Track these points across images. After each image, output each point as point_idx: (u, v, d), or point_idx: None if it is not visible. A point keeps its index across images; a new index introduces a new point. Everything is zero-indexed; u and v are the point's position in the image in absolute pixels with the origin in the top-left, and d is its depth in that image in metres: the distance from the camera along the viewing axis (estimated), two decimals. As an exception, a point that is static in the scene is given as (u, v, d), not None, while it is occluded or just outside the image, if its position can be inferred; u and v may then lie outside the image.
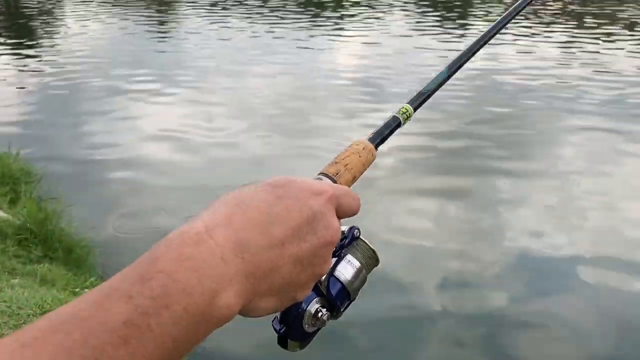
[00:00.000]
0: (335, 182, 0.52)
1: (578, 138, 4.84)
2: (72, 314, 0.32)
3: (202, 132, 5.01)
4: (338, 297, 0.48)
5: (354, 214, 0.46)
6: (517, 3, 0.88)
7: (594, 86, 6.34)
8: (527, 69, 7.09)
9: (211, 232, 0.37)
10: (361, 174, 0.56)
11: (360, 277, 0.50)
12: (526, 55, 8.07)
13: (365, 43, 8.83)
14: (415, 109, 0.65)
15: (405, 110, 0.64)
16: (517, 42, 8.66)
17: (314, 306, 0.47)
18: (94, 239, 3.18)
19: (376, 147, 0.60)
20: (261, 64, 7.43)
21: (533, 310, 2.78)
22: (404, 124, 0.64)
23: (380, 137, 0.61)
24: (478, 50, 0.77)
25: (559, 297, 2.88)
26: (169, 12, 13.32)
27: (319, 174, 0.54)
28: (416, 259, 3.17)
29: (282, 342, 0.47)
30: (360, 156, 0.56)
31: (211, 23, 10.79)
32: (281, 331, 0.47)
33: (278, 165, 4.24)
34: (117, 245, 3.24)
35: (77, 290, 2.60)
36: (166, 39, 9.61)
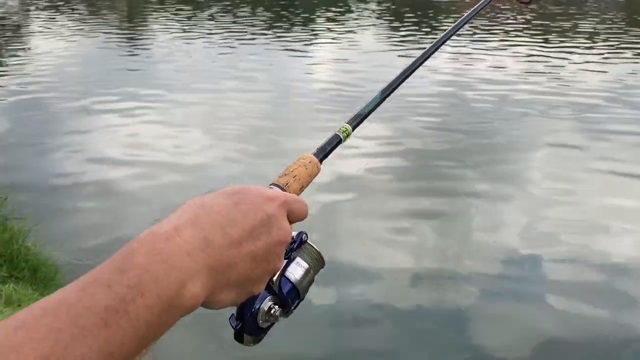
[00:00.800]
0: (285, 191, 0.59)
1: (543, 153, 4.93)
2: (60, 300, 0.37)
3: (169, 151, 4.98)
4: (289, 296, 0.54)
5: (303, 219, 0.52)
6: (444, 34, 1.01)
7: (559, 100, 6.49)
8: (489, 84, 7.25)
9: (179, 231, 0.43)
10: (308, 184, 0.64)
11: (309, 277, 0.56)
12: (489, 70, 8.25)
13: (334, 59, 8.92)
14: (353, 128, 0.75)
15: (345, 129, 0.73)
16: (484, 57, 8.87)
17: (267, 304, 0.52)
18: (60, 258, 3.16)
19: (320, 160, 0.67)
20: (231, 80, 7.42)
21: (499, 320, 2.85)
22: (344, 141, 0.73)
23: (323, 153, 0.69)
24: (410, 74, 0.88)
25: (524, 311, 2.95)
26: (138, 29, 13.25)
27: (270, 185, 0.60)
28: (381, 275, 3.21)
29: (239, 337, 0.53)
30: (306, 168, 0.64)
31: (180, 40, 10.76)
32: (237, 327, 0.52)
33: (244, 182, 4.25)
34: (84, 264, 3.23)
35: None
36: (135, 57, 9.52)
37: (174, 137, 5.33)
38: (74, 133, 5.51)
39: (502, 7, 14.09)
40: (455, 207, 3.96)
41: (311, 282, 0.56)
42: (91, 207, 4.02)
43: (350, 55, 9.12)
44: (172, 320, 0.41)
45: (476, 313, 2.88)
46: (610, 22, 14.54)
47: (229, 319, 0.52)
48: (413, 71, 0.89)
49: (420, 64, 0.91)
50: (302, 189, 0.63)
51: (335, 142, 0.71)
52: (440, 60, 8.24)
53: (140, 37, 11.97)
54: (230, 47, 9.86)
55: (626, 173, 4.44)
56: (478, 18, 14.82)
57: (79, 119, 5.94)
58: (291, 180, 0.62)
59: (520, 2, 1.22)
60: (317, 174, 0.66)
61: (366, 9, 14.90)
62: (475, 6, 1.20)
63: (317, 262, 0.57)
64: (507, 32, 11.88)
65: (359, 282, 3.10)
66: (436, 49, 0.97)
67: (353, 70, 7.97)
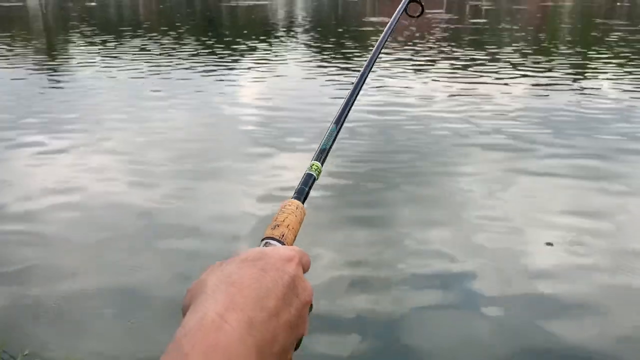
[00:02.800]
0: (283, 244, 0.57)
1: (470, 171, 5.01)
2: None
3: (95, 184, 4.76)
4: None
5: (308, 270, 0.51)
6: (370, 57, 1.06)
7: (487, 118, 6.70)
8: (411, 107, 7.39)
9: (224, 318, 0.40)
10: (298, 231, 0.62)
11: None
12: (410, 93, 8.44)
13: (263, 88, 8.92)
14: (322, 164, 0.76)
15: (316, 167, 0.74)
16: (409, 78, 9.08)
17: None
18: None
19: (302, 202, 0.66)
20: (159, 108, 7.23)
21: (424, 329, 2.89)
22: (317, 178, 0.73)
23: (303, 195, 0.68)
24: (354, 99, 0.93)
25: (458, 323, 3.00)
26: (60, 55, 13.04)
27: (266, 239, 0.58)
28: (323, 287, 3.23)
29: None
30: (296, 216, 0.62)
31: (107, 66, 10.62)
32: None
33: (171, 217, 4.12)
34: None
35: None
36: (57, 84, 9.19)
37: (102, 171, 5.08)
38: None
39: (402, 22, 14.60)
40: (385, 228, 4.00)
41: None
42: (8, 240, 3.82)
43: (280, 84, 9.16)
44: None
45: (409, 321, 2.91)
46: (529, 40, 15.00)
47: None
48: (356, 97, 0.92)
49: (360, 88, 0.95)
50: (295, 237, 0.60)
51: (310, 181, 0.71)
52: (365, 86, 8.38)
53: (62, 64, 11.78)
54: (158, 77, 9.74)
55: (552, 186, 4.59)
56: (397, 41, 15.22)
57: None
58: (286, 231, 0.59)
59: (410, 15, 1.25)
60: (304, 219, 0.64)
61: (294, 39, 15.14)
62: (390, 21, 1.22)
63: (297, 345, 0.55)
64: (431, 53, 12.26)
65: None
66: (369, 71, 1.01)
67: (283, 98, 8.00)
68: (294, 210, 0.62)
